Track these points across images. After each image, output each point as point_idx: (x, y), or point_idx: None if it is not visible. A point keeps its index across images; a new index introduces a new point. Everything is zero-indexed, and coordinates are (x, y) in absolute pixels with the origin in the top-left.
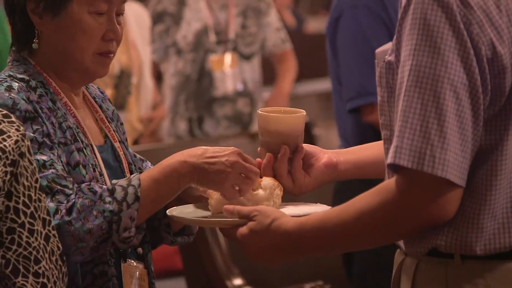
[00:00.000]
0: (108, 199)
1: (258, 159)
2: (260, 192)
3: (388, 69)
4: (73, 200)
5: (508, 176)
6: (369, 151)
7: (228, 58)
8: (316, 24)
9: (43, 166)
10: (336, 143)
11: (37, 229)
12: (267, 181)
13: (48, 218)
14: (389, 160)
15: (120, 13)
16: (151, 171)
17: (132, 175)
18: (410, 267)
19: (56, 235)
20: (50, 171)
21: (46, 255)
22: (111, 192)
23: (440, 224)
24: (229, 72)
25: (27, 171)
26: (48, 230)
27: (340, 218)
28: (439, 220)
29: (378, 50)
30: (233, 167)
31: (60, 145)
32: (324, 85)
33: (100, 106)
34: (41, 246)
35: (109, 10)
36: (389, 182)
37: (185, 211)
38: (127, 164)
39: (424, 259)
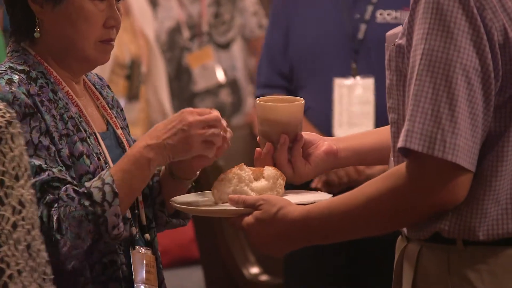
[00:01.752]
0: (87, 202)
1: (258, 149)
2: (263, 182)
3: (398, 52)
4: (57, 209)
5: None
6: (370, 138)
7: (203, 52)
8: None
9: (39, 168)
10: None
11: (4, 215)
12: (269, 170)
13: (20, 208)
14: (400, 143)
15: None
16: (119, 163)
17: (102, 172)
18: (413, 253)
19: (28, 227)
20: (46, 173)
21: (11, 242)
22: (89, 196)
23: (450, 208)
24: (206, 66)
25: (5, 157)
26: (17, 219)
27: (348, 205)
28: (449, 204)
29: (388, 33)
30: (192, 127)
31: (63, 137)
32: None
33: (100, 93)
34: (5, 231)
35: None
36: (399, 167)
37: (189, 201)
38: None
39: (427, 245)
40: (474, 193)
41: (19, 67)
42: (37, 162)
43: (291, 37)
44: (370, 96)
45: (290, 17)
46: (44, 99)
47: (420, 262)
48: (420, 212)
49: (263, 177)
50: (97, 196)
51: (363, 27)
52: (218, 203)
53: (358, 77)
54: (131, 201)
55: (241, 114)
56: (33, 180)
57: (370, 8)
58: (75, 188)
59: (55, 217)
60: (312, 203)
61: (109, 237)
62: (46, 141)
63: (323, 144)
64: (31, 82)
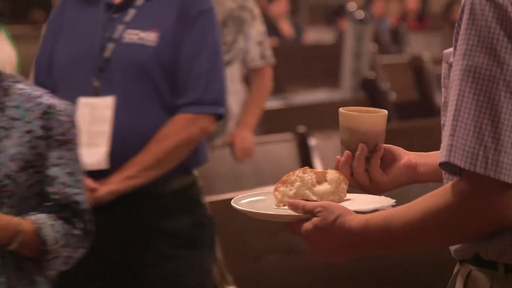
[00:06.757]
0: None
1: (338, 157)
2: (326, 185)
3: (449, 71)
4: None
5: None
6: None
7: None
8: (315, 35)
9: None
10: (333, 154)
11: None
12: (332, 174)
13: None
14: (443, 158)
15: None
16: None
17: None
18: (462, 276)
19: None
20: None
21: None
22: None
23: (503, 226)
24: None
25: None
26: None
27: (405, 218)
28: (500, 222)
29: (446, 51)
30: None
31: None
32: (321, 95)
33: None
34: None
35: None
36: (454, 183)
37: (250, 203)
38: None
39: (475, 270)
40: None
41: None
42: None
43: (54, 55)
44: (108, 115)
45: (56, 34)
46: None
47: (467, 286)
48: (472, 229)
49: (326, 181)
50: None
51: (111, 46)
52: (279, 206)
53: (100, 96)
54: None
55: (224, 134)
56: None
57: (120, 28)
58: None
59: None
60: (372, 211)
61: None
62: None
63: (403, 157)
64: None
